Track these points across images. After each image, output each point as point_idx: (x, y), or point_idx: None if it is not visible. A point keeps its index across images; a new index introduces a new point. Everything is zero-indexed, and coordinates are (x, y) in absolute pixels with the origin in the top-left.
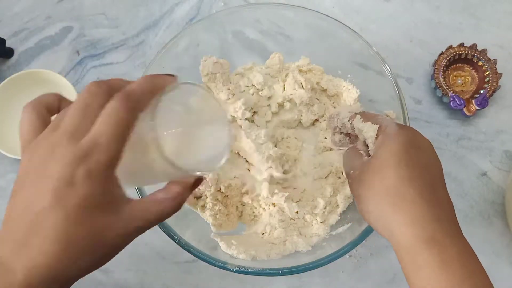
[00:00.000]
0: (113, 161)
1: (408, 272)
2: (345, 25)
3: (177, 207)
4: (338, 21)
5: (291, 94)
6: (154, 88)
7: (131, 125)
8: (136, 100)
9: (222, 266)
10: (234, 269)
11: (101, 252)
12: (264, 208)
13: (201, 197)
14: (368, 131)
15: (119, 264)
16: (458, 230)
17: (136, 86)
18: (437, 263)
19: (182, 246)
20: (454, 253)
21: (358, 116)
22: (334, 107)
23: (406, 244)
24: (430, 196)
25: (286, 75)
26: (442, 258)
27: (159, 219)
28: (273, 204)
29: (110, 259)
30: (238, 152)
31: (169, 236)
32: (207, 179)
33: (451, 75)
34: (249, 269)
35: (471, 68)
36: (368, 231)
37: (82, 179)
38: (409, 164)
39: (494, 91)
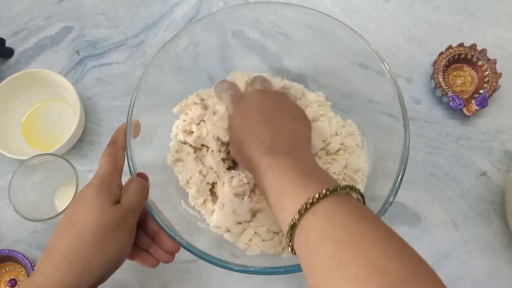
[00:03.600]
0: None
1: (262, 183)
2: (345, 25)
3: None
4: (338, 20)
5: None
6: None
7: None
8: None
9: (224, 265)
10: (236, 269)
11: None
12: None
13: None
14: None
15: None
16: (296, 147)
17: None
18: (268, 164)
19: (183, 246)
20: (284, 159)
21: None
22: None
23: (256, 162)
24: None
25: None
26: (276, 160)
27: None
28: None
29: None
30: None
31: (171, 237)
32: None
33: (451, 75)
34: (251, 268)
35: (471, 68)
36: None
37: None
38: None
39: (493, 91)
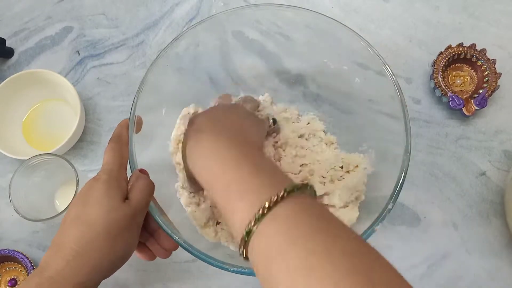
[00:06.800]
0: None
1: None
2: (345, 25)
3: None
4: (338, 21)
5: None
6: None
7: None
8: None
9: (220, 266)
10: (232, 269)
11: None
12: None
13: None
14: None
15: None
16: (245, 140)
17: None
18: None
19: (181, 245)
20: (227, 147)
21: None
22: None
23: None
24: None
25: None
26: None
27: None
28: None
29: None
30: None
31: (168, 235)
32: None
33: (450, 75)
34: (246, 270)
35: (470, 68)
36: (369, 232)
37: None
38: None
39: (493, 91)
